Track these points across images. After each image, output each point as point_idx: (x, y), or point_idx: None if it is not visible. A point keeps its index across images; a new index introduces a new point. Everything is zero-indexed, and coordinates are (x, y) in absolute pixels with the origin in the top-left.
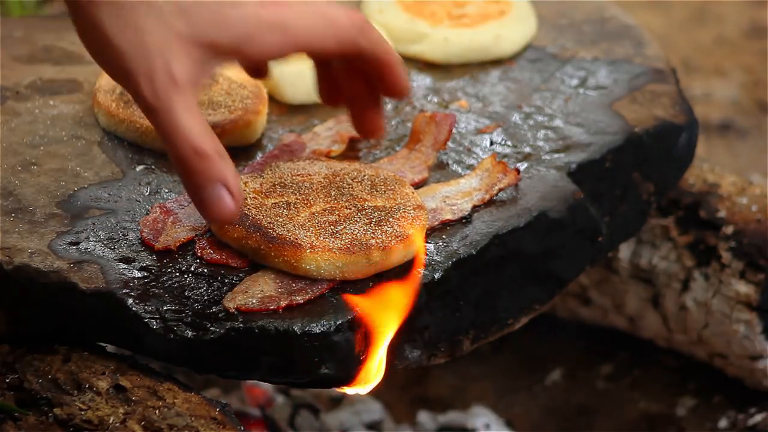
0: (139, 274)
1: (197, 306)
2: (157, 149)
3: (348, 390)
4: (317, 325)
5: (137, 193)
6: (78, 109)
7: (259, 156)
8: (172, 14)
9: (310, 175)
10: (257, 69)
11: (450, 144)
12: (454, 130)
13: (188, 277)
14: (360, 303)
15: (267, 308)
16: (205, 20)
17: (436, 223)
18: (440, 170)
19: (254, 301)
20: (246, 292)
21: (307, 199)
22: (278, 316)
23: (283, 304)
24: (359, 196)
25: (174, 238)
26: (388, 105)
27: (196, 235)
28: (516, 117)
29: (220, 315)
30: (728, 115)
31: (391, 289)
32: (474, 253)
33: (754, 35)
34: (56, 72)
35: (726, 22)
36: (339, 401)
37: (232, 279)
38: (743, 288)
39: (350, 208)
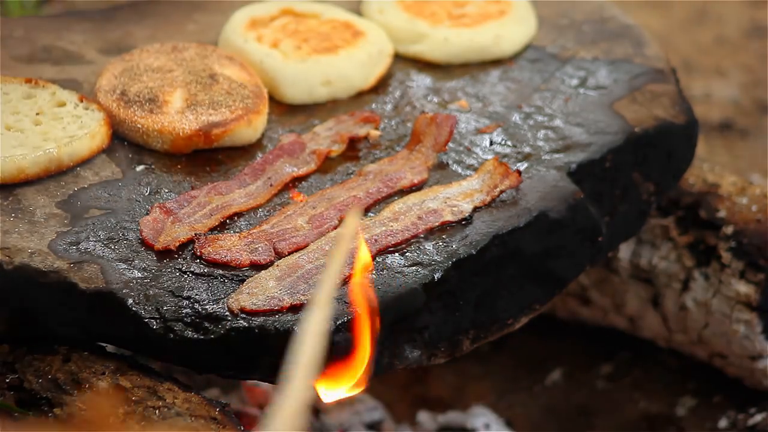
0: (139, 274)
1: (197, 306)
2: (157, 149)
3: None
4: None
5: (137, 193)
6: None
7: (259, 156)
8: None
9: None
10: None
11: (450, 144)
12: (454, 131)
13: (188, 277)
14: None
15: (271, 308)
16: None
17: (437, 224)
18: (440, 170)
19: (258, 302)
20: (249, 292)
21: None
22: (278, 316)
23: (286, 304)
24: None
25: (174, 238)
26: (388, 105)
27: (196, 235)
28: (516, 117)
29: (220, 315)
30: (728, 115)
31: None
32: (474, 253)
33: (754, 35)
34: (56, 72)
35: (726, 22)
36: (339, 401)
37: (232, 279)
38: (743, 288)
39: None
